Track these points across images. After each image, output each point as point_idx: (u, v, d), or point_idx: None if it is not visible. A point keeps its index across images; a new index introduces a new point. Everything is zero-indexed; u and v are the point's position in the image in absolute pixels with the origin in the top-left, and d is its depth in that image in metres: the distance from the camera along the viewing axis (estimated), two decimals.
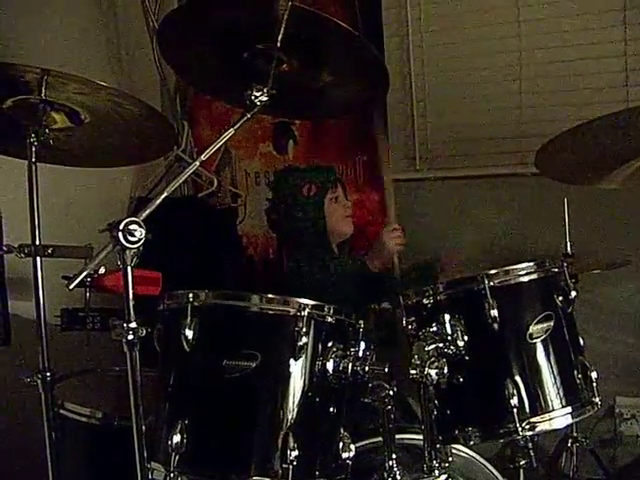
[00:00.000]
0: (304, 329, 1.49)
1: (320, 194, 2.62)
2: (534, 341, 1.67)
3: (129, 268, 1.42)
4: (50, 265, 1.83)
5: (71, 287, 1.44)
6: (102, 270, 2.01)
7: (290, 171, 2.81)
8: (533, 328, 1.66)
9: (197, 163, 1.61)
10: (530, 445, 2.43)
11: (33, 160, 1.74)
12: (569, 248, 2.62)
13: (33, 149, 1.74)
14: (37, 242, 1.75)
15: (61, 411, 1.94)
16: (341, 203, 2.69)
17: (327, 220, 2.62)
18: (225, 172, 3.68)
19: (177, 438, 1.48)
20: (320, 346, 1.55)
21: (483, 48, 3.34)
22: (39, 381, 1.75)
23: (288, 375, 1.51)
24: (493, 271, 1.66)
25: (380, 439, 1.70)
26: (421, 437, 1.70)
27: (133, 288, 1.44)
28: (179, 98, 3.67)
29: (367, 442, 1.86)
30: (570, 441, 2.81)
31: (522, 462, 2.41)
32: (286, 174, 2.75)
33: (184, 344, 1.52)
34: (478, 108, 3.36)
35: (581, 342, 1.79)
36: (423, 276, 2.74)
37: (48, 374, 1.75)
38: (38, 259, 1.76)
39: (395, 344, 2.39)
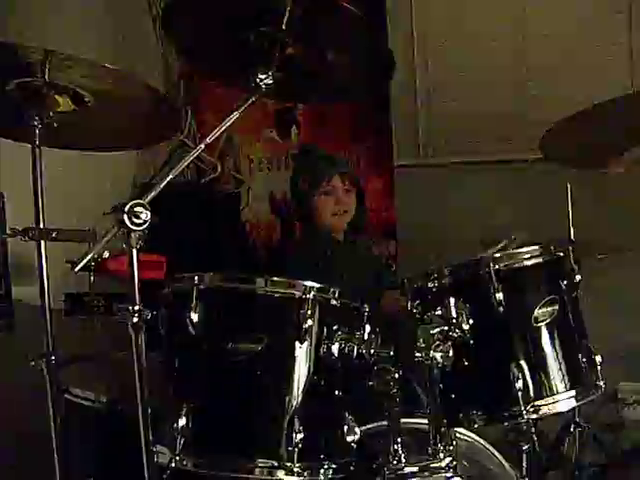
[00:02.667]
0: (309, 312, 1.49)
1: (311, 189, 2.60)
2: (539, 325, 1.67)
3: (134, 251, 1.42)
4: (54, 250, 1.83)
5: (76, 270, 1.44)
6: (106, 254, 2.02)
7: (306, 153, 2.80)
8: (538, 312, 1.66)
9: (202, 146, 1.61)
10: (533, 429, 2.44)
11: (37, 143, 1.73)
12: (572, 234, 2.62)
13: (37, 132, 1.73)
14: (41, 226, 1.75)
15: (66, 395, 1.94)
16: (333, 198, 2.60)
17: (316, 214, 2.61)
18: (228, 158, 3.67)
19: (182, 421, 1.48)
20: (325, 329, 1.54)
21: (487, 35, 3.34)
22: (44, 365, 1.74)
23: (293, 358, 1.51)
24: (498, 254, 1.67)
25: (385, 423, 1.71)
26: (426, 421, 1.71)
27: (138, 272, 1.44)
28: (182, 84, 3.67)
29: (372, 426, 1.87)
30: (573, 426, 2.82)
31: (525, 446, 2.41)
32: (300, 157, 2.75)
33: (189, 327, 1.51)
34: (482, 94, 3.36)
35: (585, 326, 1.79)
36: None
37: (53, 358, 1.75)
38: (42, 243, 1.75)
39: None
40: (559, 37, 3.22)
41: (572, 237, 2.60)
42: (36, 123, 1.72)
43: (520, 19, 3.29)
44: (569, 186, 2.59)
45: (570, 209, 2.59)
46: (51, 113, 1.73)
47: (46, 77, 1.62)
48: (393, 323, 1.80)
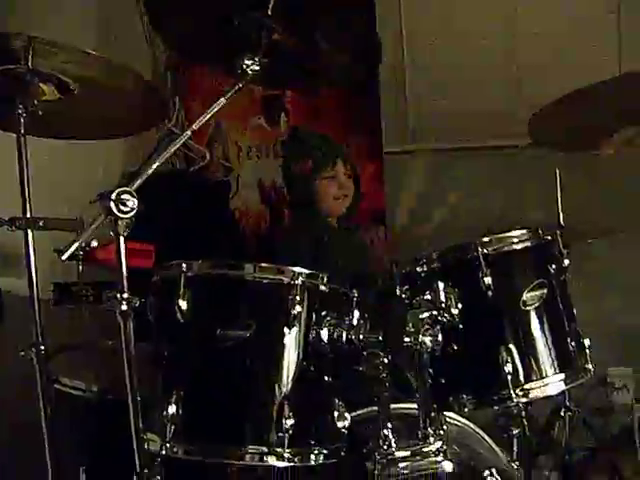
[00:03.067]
0: (298, 298, 1.49)
1: (313, 173, 2.60)
2: (527, 309, 1.67)
3: (121, 238, 1.41)
4: (41, 240, 1.82)
5: (64, 258, 1.44)
6: (94, 243, 2.01)
7: (295, 138, 2.79)
8: (527, 295, 1.66)
9: (189, 132, 1.61)
10: (523, 414, 2.44)
11: (22, 132, 1.72)
12: (561, 218, 2.62)
13: (22, 121, 1.72)
14: (28, 215, 1.74)
15: (56, 385, 1.94)
16: (336, 183, 2.62)
17: (317, 199, 2.61)
18: (217, 146, 3.66)
19: (172, 409, 1.48)
20: (314, 315, 1.54)
21: (476, 20, 3.33)
22: (33, 354, 1.74)
23: (282, 344, 1.51)
24: (486, 239, 1.66)
25: (375, 409, 1.71)
26: (416, 407, 1.72)
27: (126, 259, 1.43)
28: (170, 73, 3.65)
29: (362, 411, 1.87)
30: (563, 410, 2.83)
31: (515, 431, 2.42)
32: (292, 140, 2.74)
33: (178, 315, 1.51)
34: (470, 80, 3.36)
35: (574, 310, 1.79)
36: None
37: (42, 347, 1.74)
38: (29, 232, 1.74)
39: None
40: (549, 36, 3.23)
41: (561, 222, 2.60)
42: (21, 111, 1.71)
43: (511, 18, 3.29)
44: (558, 171, 2.58)
45: (559, 194, 2.59)
46: (36, 101, 1.72)
47: (29, 64, 1.61)
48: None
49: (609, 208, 3.17)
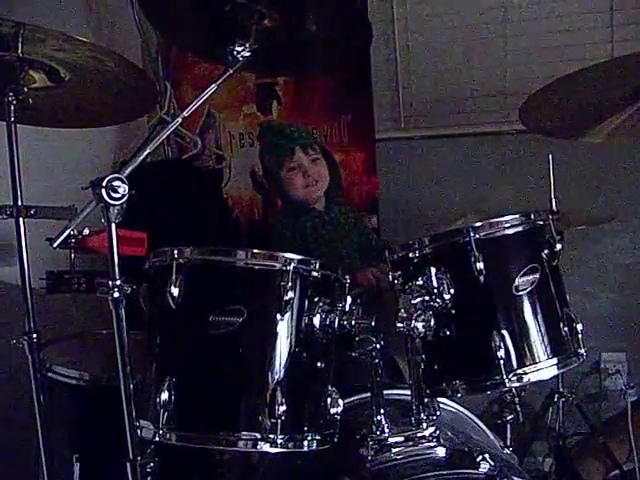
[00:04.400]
0: (290, 284, 1.48)
1: (278, 167, 2.60)
2: (520, 293, 1.66)
3: (113, 225, 1.41)
4: (34, 228, 1.82)
5: (55, 245, 1.44)
6: (86, 231, 2.00)
7: (263, 132, 2.80)
8: (519, 280, 1.66)
9: (180, 119, 1.60)
10: (517, 400, 2.46)
11: (12, 120, 1.71)
12: (554, 205, 2.63)
13: (12, 109, 1.71)
14: (19, 203, 1.73)
15: (49, 374, 1.94)
16: (300, 172, 2.58)
17: (288, 190, 2.60)
18: (209, 134, 3.66)
19: (165, 395, 1.47)
20: (306, 301, 1.54)
21: (467, 5, 3.32)
22: (25, 343, 1.74)
23: (275, 330, 1.50)
24: (478, 224, 1.65)
25: (368, 395, 1.71)
26: (409, 393, 1.72)
27: (118, 247, 1.43)
28: (161, 60, 3.64)
29: (355, 398, 1.88)
30: (556, 396, 2.85)
31: (509, 417, 2.44)
32: (261, 133, 2.76)
33: (170, 301, 1.50)
34: (462, 66, 3.36)
35: (567, 295, 1.79)
36: None
37: (34, 336, 1.74)
38: (21, 220, 1.74)
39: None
40: (540, 7, 3.22)
41: (554, 207, 2.60)
42: (10, 99, 1.70)
43: (502, 3, 3.28)
44: (550, 157, 2.59)
45: (552, 179, 2.60)
46: (26, 89, 1.71)
47: (19, 52, 1.60)
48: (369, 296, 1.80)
49: (600, 195, 3.17)
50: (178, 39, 2.12)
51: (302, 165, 2.57)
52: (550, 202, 2.60)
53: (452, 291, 1.64)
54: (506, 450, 1.90)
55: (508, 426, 2.44)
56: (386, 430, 1.66)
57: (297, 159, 2.57)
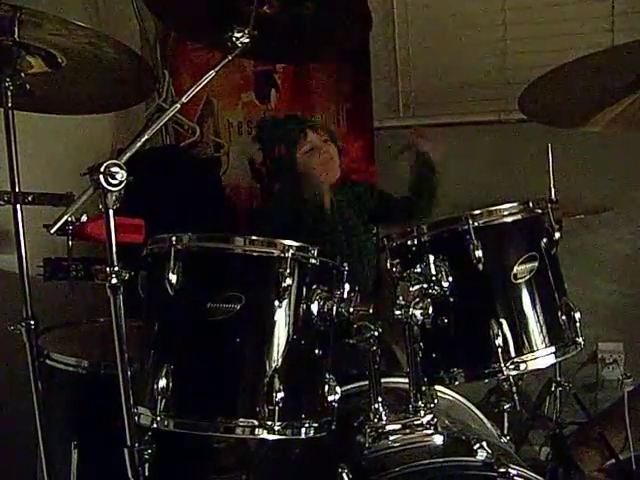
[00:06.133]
0: (288, 270, 1.48)
1: (291, 154, 2.59)
2: (518, 282, 1.67)
3: (111, 211, 1.41)
4: (32, 216, 1.81)
5: (52, 231, 1.43)
6: (84, 218, 2.00)
7: (265, 126, 2.79)
8: (517, 268, 1.66)
9: (178, 105, 1.60)
10: (514, 389, 2.46)
11: (9, 106, 1.70)
12: (553, 194, 2.62)
13: (9, 95, 1.70)
14: (17, 190, 1.72)
15: (47, 361, 1.94)
16: (317, 151, 2.61)
17: (305, 173, 2.59)
18: (208, 122, 3.65)
19: (163, 382, 1.47)
20: (304, 288, 1.54)
21: None
22: (23, 330, 1.73)
23: (273, 317, 1.50)
24: (477, 211, 1.65)
25: (366, 383, 1.71)
26: (406, 381, 1.72)
27: (116, 234, 1.43)
28: (159, 48, 3.63)
29: (353, 386, 1.88)
30: (554, 386, 2.85)
31: (506, 406, 2.44)
32: (263, 128, 2.74)
33: (168, 288, 1.50)
34: (462, 55, 3.34)
35: (565, 284, 1.79)
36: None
37: (32, 322, 1.73)
38: (18, 207, 1.73)
39: None
40: (541, 8, 3.21)
41: (553, 196, 2.60)
42: (8, 85, 1.69)
43: None
44: (550, 146, 2.58)
45: (551, 169, 2.59)
46: (23, 74, 1.70)
47: (16, 36, 1.58)
48: None
49: (599, 185, 3.17)
50: (177, 25, 2.11)
51: (316, 145, 2.61)
52: (549, 191, 2.60)
53: (450, 279, 1.64)
54: (503, 439, 1.90)
55: (505, 415, 2.45)
56: (383, 418, 1.66)
57: (310, 139, 2.60)
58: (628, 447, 2.72)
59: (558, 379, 2.85)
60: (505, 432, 2.21)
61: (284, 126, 2.66)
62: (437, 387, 1.81)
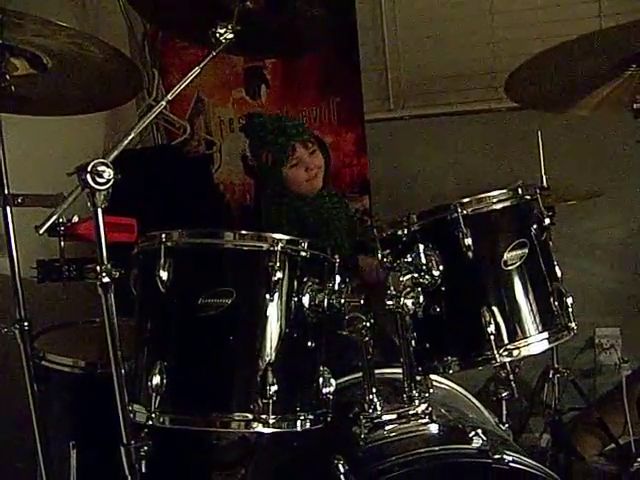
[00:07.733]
0: (278, 264, 1.49)
1: (277, 165, 2.56)
2: (509, 268, 1.67)
3: (99, 210, 1.41)
4: (24, 218, 1.81)
5: (41, 231, 1.44)
6: (75, 219, 2.00)
7: (258, 126, 2.75)
8: (507, 255, 1.66)
9: (163, 103, 1.60)
10: (512, 377, 2.46)
11: None
12: (544, 181, 2.63)
13: None
14: (6, 191, 1.72)
15: (44, 363, 1.94)
16: (303, 167, 2.56)
17: (289, 185, 2.57)
18: (199, 120, 3.65)
19: (157, 379, 1.48)
20: (295, 281, 1.54)
21: None
22: (17, 331, 1.73)
23: (264, 311, 1.50)
24: (466, 199, 1.65)
25: (360, 375, 1.72)
26: (400, 371, 1.72)
27: (105, 233, 1.43)
28: (148, 47, 3.62)
29: (348, 378, 1.88)
30: (552, 372, 2.86)
31: (504, 394, 2.44)
32: (248, 129, 2.71)
33: (159, 285, 1.50)
34: (450, 45, 3.35)
35: (557, 270, 1.78)
36: None
37: (26, 324, 1.73)
38: (8, 209, 1.73)
39: None
40: None
41: (544, 184, 2.61)
42: None
43: None
44: (539, 133, 2.59)
45: (541, 156, 2.60)
46: (8, 77, 1.69)
47: None
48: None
49: (590, 170, 3.17)
50: (162, 23, 2.11)
51: (304, 160, 2.55)
52: (540, 178, 2.60)
53: (441, 267, 1.64)
54: (501, 426, 1.90)
55: (503, 403, 2.45)
56: (379, 408, 1.67)
57: (298, 155, 2.55)
58: (627, 431, 2.73)
59: (556, 366, 2.86)
60: (503, 420, 2.21)
61: (272, 135, 2.58)
62: (433, 377, 1.82)
